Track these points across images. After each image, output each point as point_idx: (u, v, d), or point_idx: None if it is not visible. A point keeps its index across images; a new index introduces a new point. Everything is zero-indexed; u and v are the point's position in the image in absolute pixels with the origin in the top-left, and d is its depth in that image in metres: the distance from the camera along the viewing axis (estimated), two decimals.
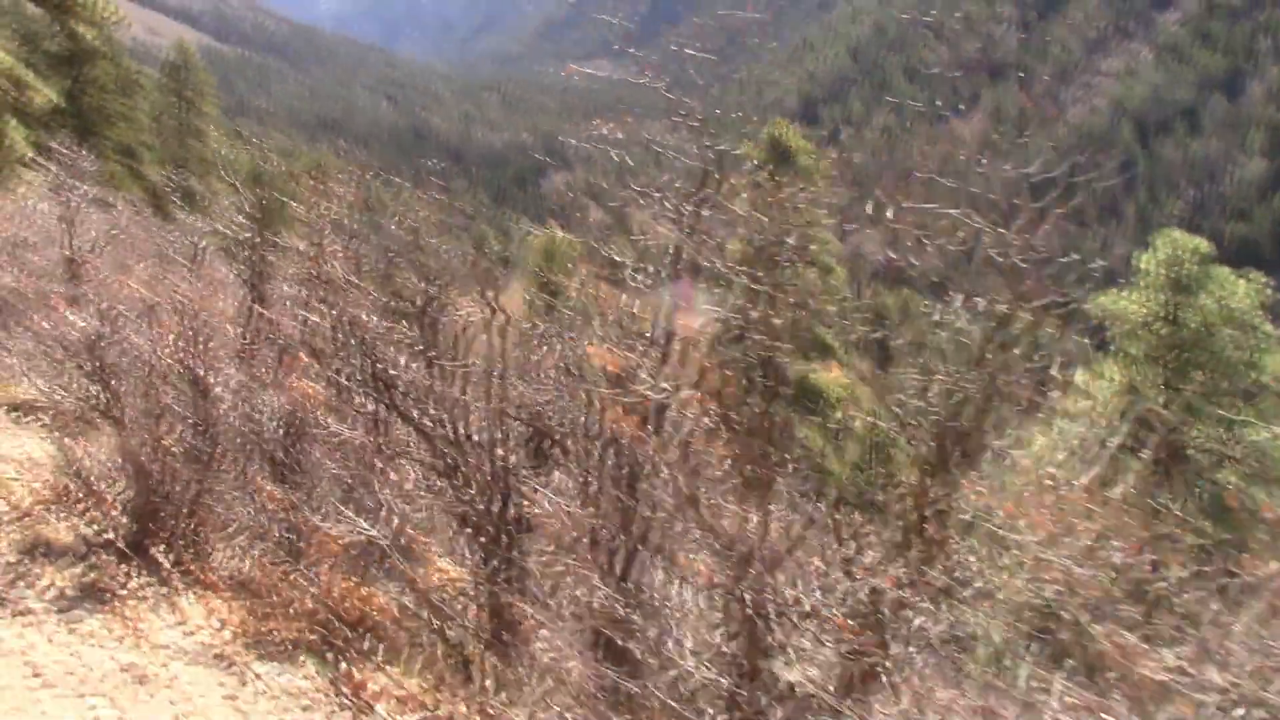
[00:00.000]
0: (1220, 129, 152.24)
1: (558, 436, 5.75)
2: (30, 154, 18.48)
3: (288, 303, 8.75)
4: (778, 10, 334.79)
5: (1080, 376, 16.80)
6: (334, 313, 6.92)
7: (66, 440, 7.51)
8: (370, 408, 6.58)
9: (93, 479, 6.90)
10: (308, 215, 7.96)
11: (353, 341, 6.37)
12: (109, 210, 12.02)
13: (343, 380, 6.60)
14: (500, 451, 5.41)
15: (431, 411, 5.70)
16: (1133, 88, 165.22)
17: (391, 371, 5.95)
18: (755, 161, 28.33)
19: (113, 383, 6.58)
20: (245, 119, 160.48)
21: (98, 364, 6.54)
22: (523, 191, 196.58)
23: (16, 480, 7.46)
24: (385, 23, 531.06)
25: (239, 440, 6.79)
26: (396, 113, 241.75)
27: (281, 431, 6.99)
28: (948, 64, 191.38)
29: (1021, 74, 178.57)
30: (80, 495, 6.99)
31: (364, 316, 6.35)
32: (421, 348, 6.16)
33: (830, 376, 29.27)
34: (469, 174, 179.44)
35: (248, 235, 9.46)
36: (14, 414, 9.34)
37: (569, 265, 34.03)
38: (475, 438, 5.58)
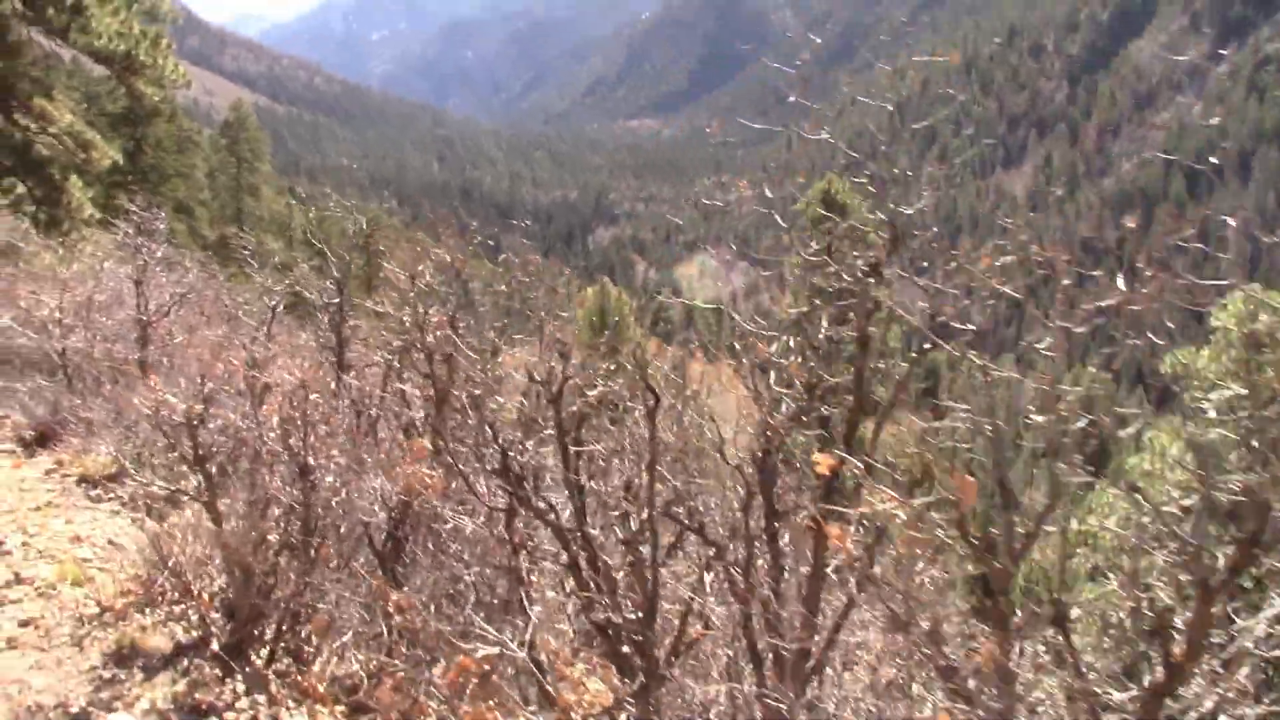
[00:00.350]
0: (1274, 179, 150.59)
1: (711, 536, 5.02)
2: (94, 213, 18.83)
3: (384, 375, 8.29)
4: (824, 66, 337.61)
5: (1149, 437, 16.38)
6: (450, 389, 6.48)
7: (155, 528, 6.86)
8: (495, 498, 5.84)
9: (186, 574, 6.28)
10: (399, 278, 7.57)
11: (471, 421, 5.75)
12: (179, 270, 11.80)
13: (461, 466, 5.93)
14: (646, 552, 4.83)
15: (565, 504, 5.19)
16: (1183, 140, 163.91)
17: (519, 456, 5.35)
18: (809, 216, 28.34)
19: (211, 469, 6.05)
20: (298, 176, 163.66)
21: (196, 448, 5.97)
22: (570, 247, 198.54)
23: (100, 570, 6.83)
24: (435, 82, 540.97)
25: (347, 531, 6.27)
26: (446, 170, 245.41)
27: (393, 522, 6.44)
28: (995, 118, 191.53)
29: (1069, 128, 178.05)
30: (172, 591, 6.39)
31: (482, 393, 5.77)
32: (551, 430, 5.41)
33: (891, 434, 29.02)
34: (516, 230, 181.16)
35: (331, 298, 9.09)
36: (89, 488, 8.61)
37: (622, 322, 34.18)
38: (617, 535, 5.05)
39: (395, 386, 7.84)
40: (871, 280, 4.26)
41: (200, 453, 5.96)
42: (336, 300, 8.95)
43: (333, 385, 7.63)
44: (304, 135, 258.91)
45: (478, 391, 5.79)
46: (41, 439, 9.40)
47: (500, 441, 5.31)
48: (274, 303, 10.06)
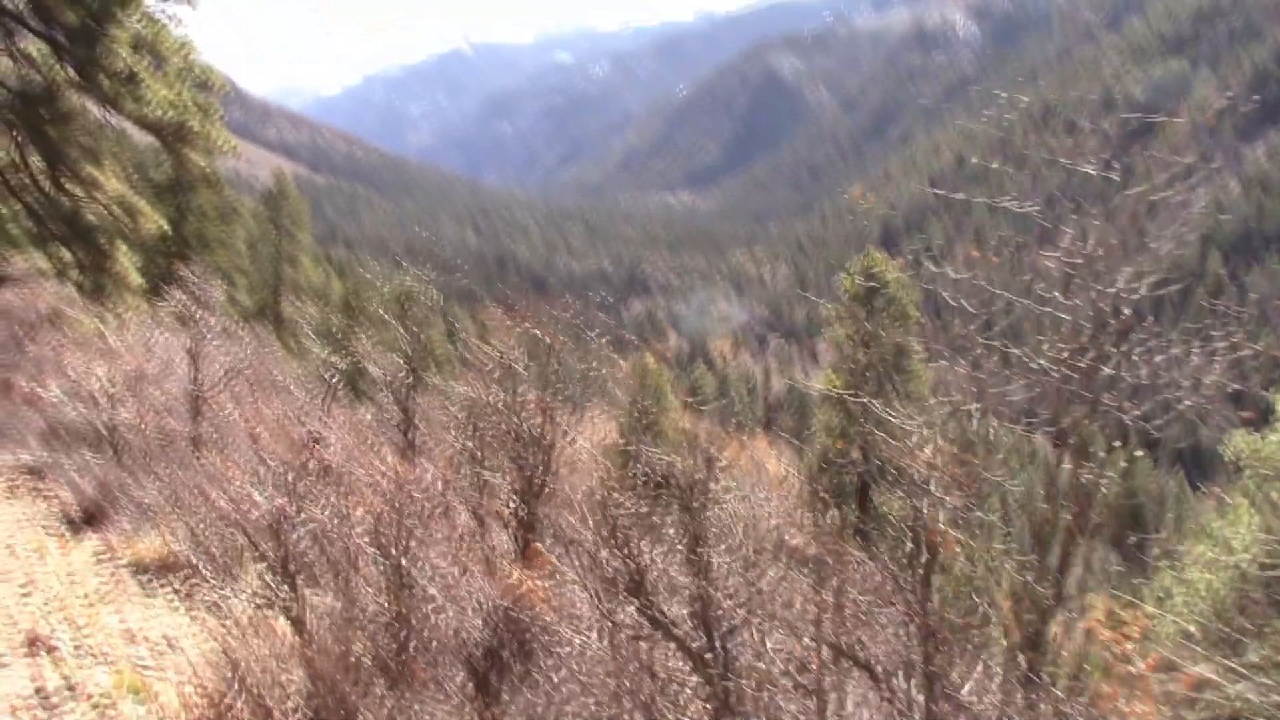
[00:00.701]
0: None
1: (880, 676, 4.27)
2: (140, 281, 18.94)
3: (459, 459, 7.54)
4: (858, 142, 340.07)
5: (1214, 523, 15.82)
6: (544, 479, 5.85)
7: (226, 638, 5.87)
8: (618, 613, 4.93)
9: (262, 692, 5.32)
10: (483, 354, 6.95)
11: (591, 523, 4.94)
12: (234, 341, 11.20)
13: (575, 573, 5.17)
14: (807, 683, 4.16)
15: (702, 627, 4.41)
16: (1220, 219, 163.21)
17: (647, 566, 4.58)
18: (849, 292, 28.31)
19: (298, 574, 5.36)
20: (336, 245, 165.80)
21: (283, 552, 5.29)
22: (604, 319, 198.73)
23: (161, 679, 6.14)
24: (472, 155, 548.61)
25: (441, 645, 5.42)
26: (482, 240, 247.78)
27: (494, 635, 5.53)
28: (1030, 195, 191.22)
29: (1104, 205, 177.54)
30: (245, 709, 5.44)
31: (609, 493, 4.89)
32: (690, 537, 4.59)
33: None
34: (551, 301, 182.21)
35: (399, 374, 8.51)
36: (142, 576, 7.89)
37: (661, 394, 34.13)
38: (764, 664, 4.31)
39: (477, 473, 7.04)
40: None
41: (287, 557, 5.29)
42: (406, 376, 8.47)
43: (422, 475, 6.39)
44: (342, 205, 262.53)
45: (599, 488, 4.94)
46: (89, 518, 8.96)
47: (629, 549, 4.56)
48: (333, 377, 9.59)
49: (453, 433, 7.94)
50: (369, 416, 9.25)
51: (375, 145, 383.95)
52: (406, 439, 8.19)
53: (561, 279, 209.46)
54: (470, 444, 7.41)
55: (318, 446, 5.77)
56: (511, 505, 6.61)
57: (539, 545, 5.80)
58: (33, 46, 17.68)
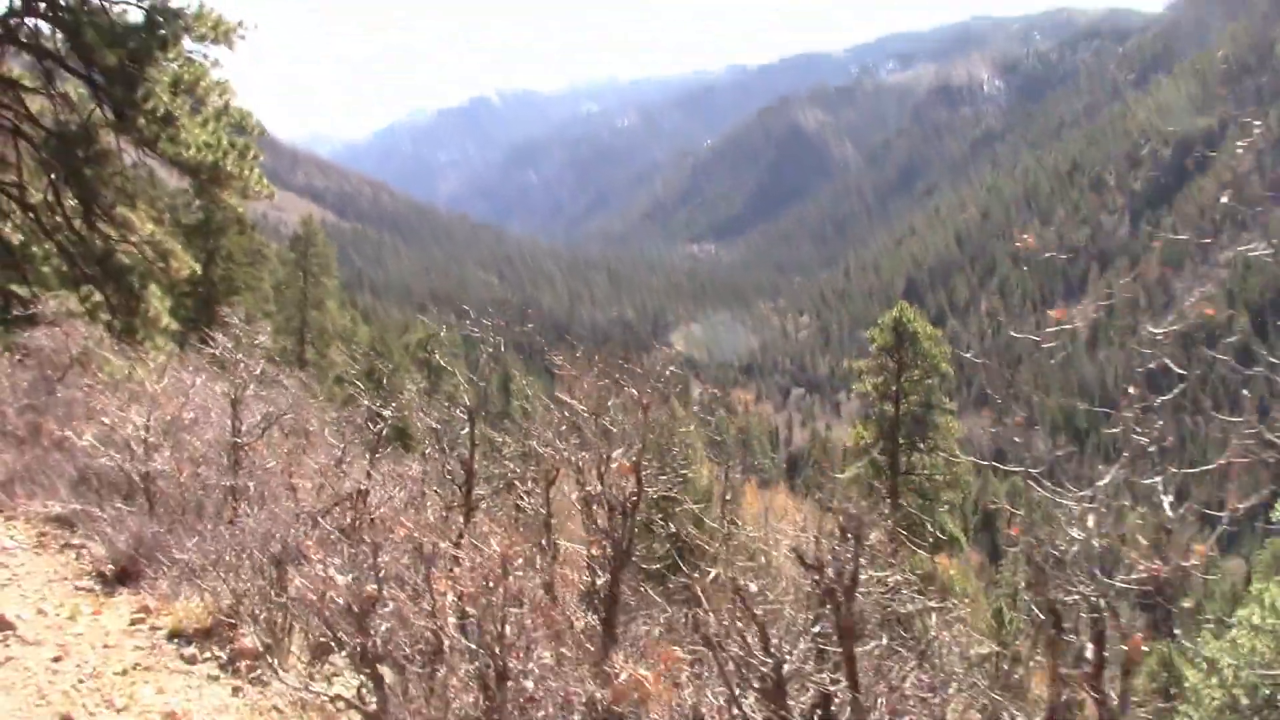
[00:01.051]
0: None
1: None
2: (170, 322, 18.99)
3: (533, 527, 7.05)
4: (882, 196, 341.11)
5: (1259, 589, 15.42)
6: (630, 552, 5.24)
7: None
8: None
9: None
10: (575, 412, 6.43)
11: (732, 618, 4.27)
12: (276, 388, 10.74)
13: (709, 670, 4.49)
14: None
15: None
16: (1248, 278, 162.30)
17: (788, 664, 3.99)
18: (878, 344, 28.19)
19: (384, 669, 4.78)
20: (361, 291, 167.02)
21: (367, 643, 4.66)
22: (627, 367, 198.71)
23: None
24: (499, 203, 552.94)
25: None
26: (506, 287, 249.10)
27: None
28: (1055, 251, 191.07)
29: (1131, 262, 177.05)
30: None
31: (737, 578, 4.36)
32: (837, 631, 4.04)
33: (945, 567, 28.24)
34: (573, 349, 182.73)
35: (458, 428, 8.03)
36: (182, 644, 7.25)
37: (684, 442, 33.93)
38: None
39: (553, 542, 6.52)
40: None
41: (371, 649, 4.62)
42: (464, 428, 7.81)
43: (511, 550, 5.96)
44: (369, 251, 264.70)
45: (742, 581, 4.30)
46: (123, 575, 8.51)
47: (774, 650, 4.00)
48: (380, 428, 8.84)
49: (524, 494, 7.52)
50: (418, 470, 8.46)
51: (402, 192, 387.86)
52: (467, 499, 7.53)
53: (585, 328, 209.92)
54: (543, 509, 6.95)
55: (367, 504, 5.35)
56: (597, 580, 5.91)
57: (660, 638, 5.33)
58: (70, 87, 17.92)
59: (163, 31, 16.11)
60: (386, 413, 8.81)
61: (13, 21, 17.28)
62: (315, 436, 10.64)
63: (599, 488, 5.81)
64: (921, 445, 27.22)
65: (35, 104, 18.08)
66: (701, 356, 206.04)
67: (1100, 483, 3.86)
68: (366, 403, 9.33)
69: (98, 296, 18.27)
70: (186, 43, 16.83)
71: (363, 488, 6.00)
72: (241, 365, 9.82)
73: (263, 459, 9.19)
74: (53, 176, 17.77)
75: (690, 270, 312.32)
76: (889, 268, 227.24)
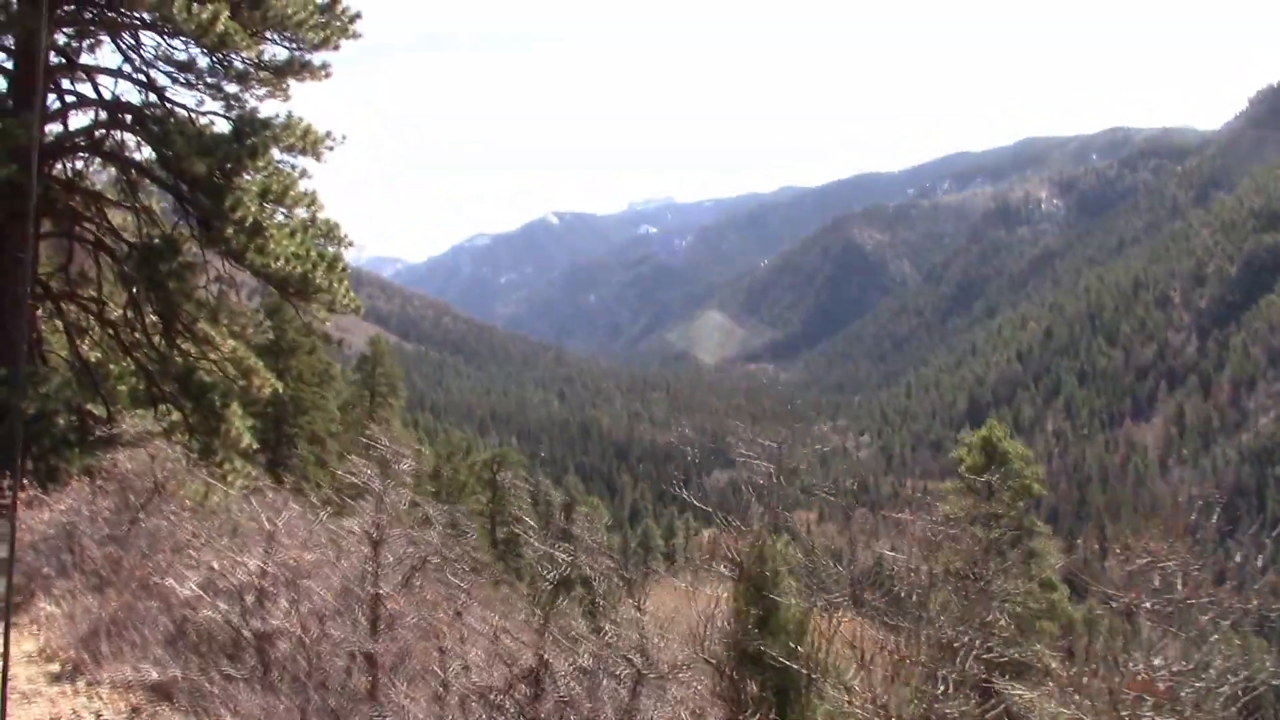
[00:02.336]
0: None
1: None
2: (251, 443, 18.13)
3: None
4: (942, 316, 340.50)
5: None
6: None
7: None
8: None
9: None
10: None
11: None
12: (420, 524, 8.89)
13: None
14: None
15: None
16: None
17: None
18: (967, 465, 26.95)
19: None
20: (423, 411, 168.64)
21: None
22: (686, 488, 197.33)
23: None
24: (557, 323, 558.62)
25: None
26: (566, 408, 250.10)
27: None
28: (1122, 370, 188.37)
29: (1201, 381, 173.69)
30: None
31: None
32: None
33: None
34: (633, 470, 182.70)
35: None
36: None
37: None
38: None
39: None
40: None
41: None
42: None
43: None
44: (429, 372, 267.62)
45: None
46: None
47: None
48: (554, 575, 7.24)
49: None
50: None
51: (463, 313, 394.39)
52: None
53: (644, 448, 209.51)
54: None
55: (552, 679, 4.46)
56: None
57: None
58: (154, 201, 17.96)
59: (251, 140, 15.91)
60: (562, 555, 7.34)
61: (97, 134, 17.29)
62: (473, 586, 8.67)
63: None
64: (1015, 571, 26.05)
65: (117, 218, 17.93)
66: (763, 479, 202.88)
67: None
68: (534, 542, 7.86)
69: (175, 416, 17.72)
70: (275, 153, 16.64)
71: (544, 657, 5.05)
72: (386, 496, 8.18)
73: (407, 614, 7.67)
74: (134, 291, 17.44)
75: (749, 389, 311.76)
76: (950, 386, 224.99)
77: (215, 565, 8.26)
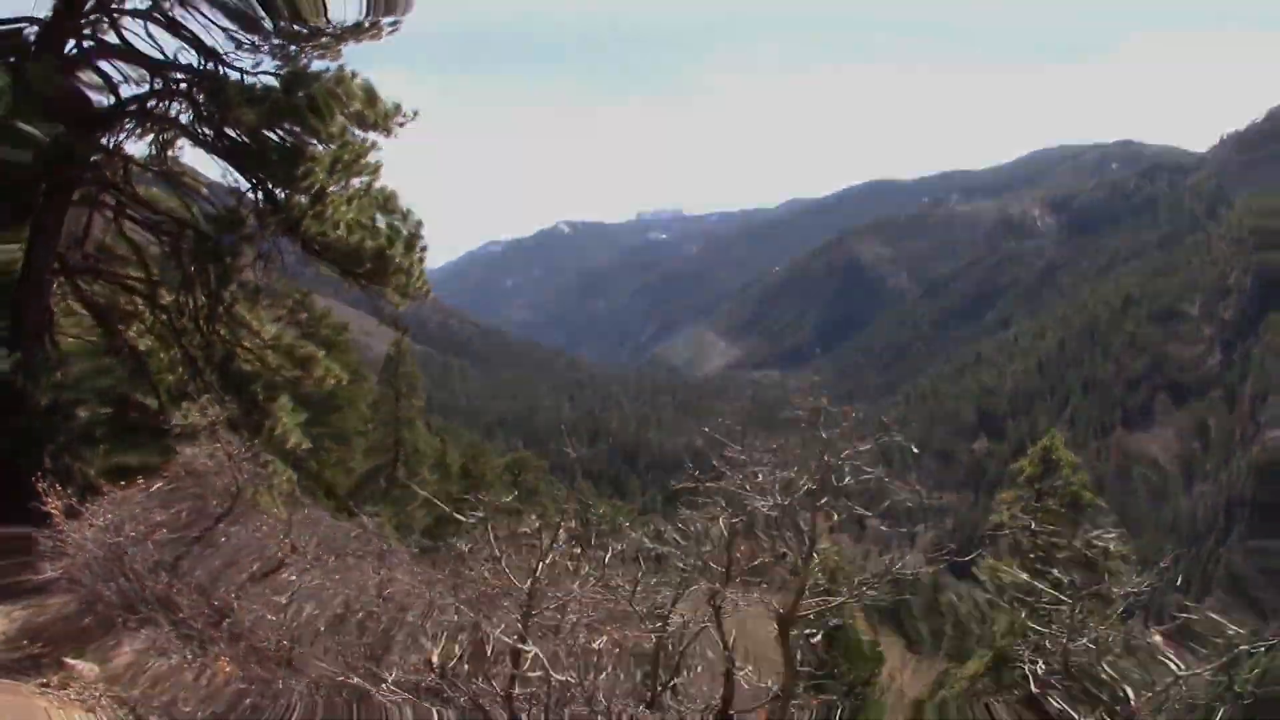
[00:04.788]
0: None
1: None
2: (304, 443, 16.55)
3: None
4: (946, 328, 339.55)
5: None
6: None
7: None
8: None
9: None
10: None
11: None
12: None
13: None
14: None
15: None
16: None
17: None
18: (1026, 474, 27.22)
19: None
20: (431, 414, 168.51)
21: None
22: (695, 494, 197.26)
23: None
24: (568, 330, 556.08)
25: None
26: (575, 413, 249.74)
27: None
28: (1139, 379, 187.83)
29: (1228, 394, 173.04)
30: None
31: None
32: None
33: None
34: (642, 474, 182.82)
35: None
36: None
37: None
38: None
39: None
40: None
41: None
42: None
43: None
44: (436, 374, 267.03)
45: None
46: None
47: None
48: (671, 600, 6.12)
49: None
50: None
51: (472, 318, 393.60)
52: None
53: (653, 453, 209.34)
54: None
55: None
56: None
57: None
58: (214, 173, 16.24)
59: (303, 93, 14.41)
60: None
61: (149, 104, 15.67)
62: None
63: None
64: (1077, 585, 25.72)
65: (163, 195, 16.50)
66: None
67: None
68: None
69: (214, 410, 14.87)
70: (346, 125, 15.11)
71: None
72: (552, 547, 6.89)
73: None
74: (191, 270, 15.91)
75: (757, 397, 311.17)
76: (952, 395, 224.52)
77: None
